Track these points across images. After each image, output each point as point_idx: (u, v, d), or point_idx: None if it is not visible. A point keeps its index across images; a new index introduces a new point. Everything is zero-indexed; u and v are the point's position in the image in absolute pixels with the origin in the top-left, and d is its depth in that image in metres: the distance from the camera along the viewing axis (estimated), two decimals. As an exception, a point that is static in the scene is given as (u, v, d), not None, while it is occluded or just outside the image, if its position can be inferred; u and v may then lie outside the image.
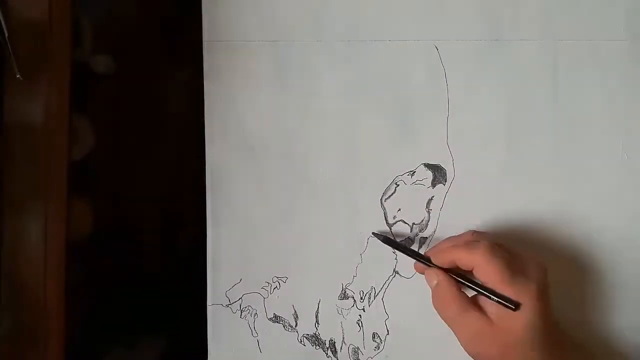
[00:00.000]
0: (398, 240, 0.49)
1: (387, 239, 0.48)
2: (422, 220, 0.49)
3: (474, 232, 0.46)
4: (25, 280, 0.49)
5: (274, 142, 0.50)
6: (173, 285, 0.54)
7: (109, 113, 0.54)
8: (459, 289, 0.43)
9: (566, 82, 0.48)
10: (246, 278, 0.50)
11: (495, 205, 0.48)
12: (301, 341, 0.50)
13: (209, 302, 0.51)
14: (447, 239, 0.47)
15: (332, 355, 0.50)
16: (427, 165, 0.49)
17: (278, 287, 0.50)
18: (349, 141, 0.49)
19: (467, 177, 0.48)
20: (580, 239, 0.48)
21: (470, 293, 0.43)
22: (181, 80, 0.54)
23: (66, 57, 0.50)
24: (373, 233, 0.49)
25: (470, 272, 0.43)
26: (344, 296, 0.50)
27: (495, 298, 0.41)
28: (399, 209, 0.49)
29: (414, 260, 0.46)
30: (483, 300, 0.42)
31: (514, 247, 0.44)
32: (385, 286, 0.49)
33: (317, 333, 0.50)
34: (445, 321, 0.44)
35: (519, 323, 0.41)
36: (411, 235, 0.49)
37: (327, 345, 0.50)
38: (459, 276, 0.44)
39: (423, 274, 0.46)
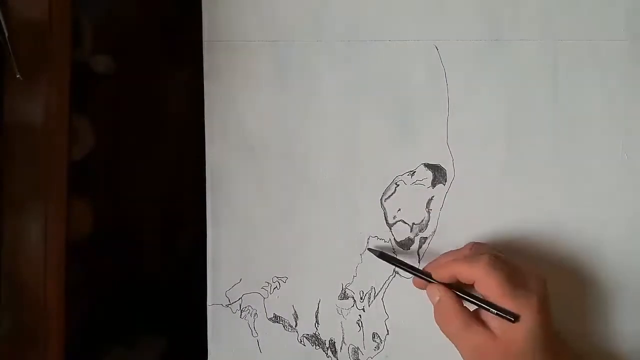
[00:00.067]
0: (398, 240, 0.49)
1: (383, 255, 0.48)
2: (422, 220, 0.49)
3: (474, 245, 0.46)
4: (25, 280, 0.49)
5: (274, 142, 0.50)
6: (173, 285, 0.54)
7: (109, 113, 0.54)
8: (461, 304, 0.43)
9: (566, 82, 0.48)
10: (246, 278, 0.50)
11: (495, 205, 0.48)
12: (301, 341, 0.50)
13: (209, 302, 0.51)
14: (446, 253, 0.46)
15: (332, 355, 0.50)
16: (427, 165, 0.49)
17: (278, 287, 0.50)
18: (349, 141, 0.49)
19: (467, 177, 0.48)
20: (581, 239, 0.48)
21: (472, 307, 0.43)
22: (181, 80, 0.54)
23: (66, 57, 0.50)
24: (369, 249, 0.49)
25: (471, 286, 0.43)
26: (344, 296, 0.50)
27: (494, 311, 0.41)
28: (399, 209, 0.49)
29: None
30: (485, 315, 0.42)
31: (513, 258, 0.44)
32: (385, 286, 0.49)
33: (317, 333, 0.50)
34: (447, 336, 0.44)
35: (520, 335, 0.41)
36: (411, 235, 0.49)
37: (327, 345, 0.50)
38: (460, 291, 0.44)
39: (422, 289, 0.46)
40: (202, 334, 0.51)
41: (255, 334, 0.51)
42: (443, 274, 0.44)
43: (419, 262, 0.49)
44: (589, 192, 0.48)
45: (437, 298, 0.44)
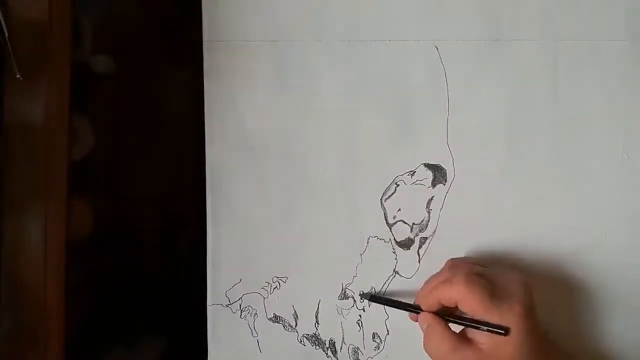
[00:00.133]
0: (398, 240, 0.49)
1: (375, 297, 0.48)
2: (422, 220, 0.49)
3: (452, 263, 0.46)
4: (25, 280, 0.49)
5: (274, 142, 0.50)
6: (173, 285, 0.54)
7: (109, 113, 0.54)
8: (447, 329, 0.43)
9: (566, 82, 0.48)
10: (246, 278, 0.50)
11: (495, 205, 0.48)
12: (301, 341, 0.50)
13: (209, 302, 0.51)
14: (429, 278, 0.46)
15: (332, 355, 0.50)
16: (427, 165, 0.49)
17: (278, 287, 0.50)
18: (349, 141, 0.49)
19: (467, 177, 0.48)
20: (580, 239, 0.48)
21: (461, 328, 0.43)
22: (181, 80, 0.54)
23: (66, 57, 0.50)
24: (360, 294, 0.49)
25: (456, 307, 0.43)
26: (344, 296, 0.50)
27: (484, 328, 0.41)
28: (399, 209, 0.49)
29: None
30: (472, 332, 0.42)
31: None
32: (385, 286, 0.49)
33: (317, 333, 0.50)
34: None
35: (509, 346, 0.41)
36: (411, 235, 0.49)
37: (327, 345, 0.50)
38: (449, 314, 0.44)
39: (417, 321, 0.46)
40: (202, 334, 0.51)
41: (255, 334, 0.51)
42: (429, 302, 0.44)
43: (419, 262, 0.49)
44: (589, 192, 0.48)
45: (425, 326, 0.44)
